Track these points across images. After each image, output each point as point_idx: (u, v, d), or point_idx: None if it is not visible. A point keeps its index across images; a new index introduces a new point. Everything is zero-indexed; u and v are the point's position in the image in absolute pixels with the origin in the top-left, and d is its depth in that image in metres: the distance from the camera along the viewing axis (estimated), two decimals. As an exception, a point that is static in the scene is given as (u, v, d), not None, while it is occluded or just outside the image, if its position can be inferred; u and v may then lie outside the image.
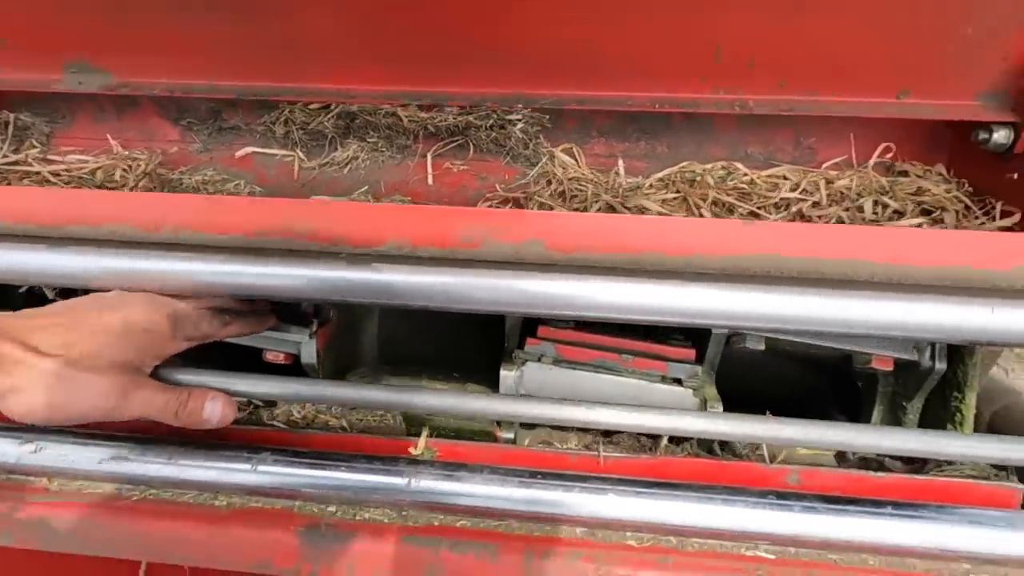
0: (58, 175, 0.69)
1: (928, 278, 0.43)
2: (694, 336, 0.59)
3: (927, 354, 0.56)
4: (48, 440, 0.54)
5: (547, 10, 0.55)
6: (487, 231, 0.45)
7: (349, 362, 0.70)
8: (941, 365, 0.55)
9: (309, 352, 0.58)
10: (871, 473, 0.53)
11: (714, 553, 0.48)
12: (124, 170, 0.68)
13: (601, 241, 0.45)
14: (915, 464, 0.59)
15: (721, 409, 0.54)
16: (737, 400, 0.56)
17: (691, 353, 0.56)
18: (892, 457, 0.60)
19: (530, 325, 0.58)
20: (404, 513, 0.52)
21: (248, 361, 0.60)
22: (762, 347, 0.54)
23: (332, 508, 0.52)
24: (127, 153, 0.71)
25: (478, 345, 0.70)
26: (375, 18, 0.58)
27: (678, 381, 0.57)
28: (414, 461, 0.53)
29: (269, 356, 0.59)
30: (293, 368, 0.60)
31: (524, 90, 0.59)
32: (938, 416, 0.60)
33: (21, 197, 0.52)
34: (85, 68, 0.64)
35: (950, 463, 0.56)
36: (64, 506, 0.52)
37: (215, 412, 0.49)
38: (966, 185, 0.59)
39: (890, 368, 0.55)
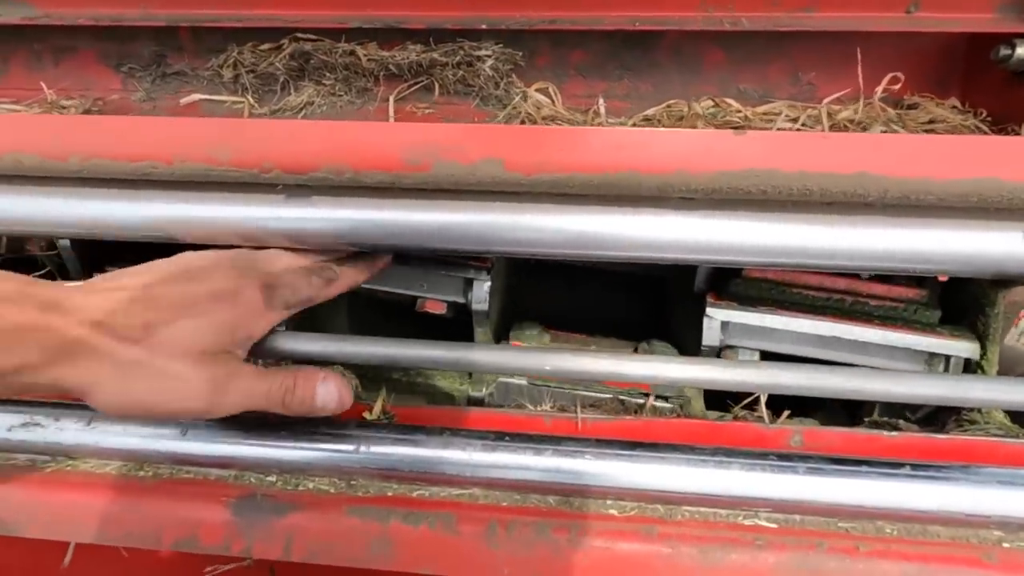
0: (-17, 124, 0.62)
1: (951, 194, 0.37)
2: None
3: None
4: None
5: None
6: (437, 150, 0.39)
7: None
8: None
9: (482, 296, 0.50)
10: (884, 432, 0.47)
11: (707, 523, 0.42)
12: (53, 116, 0.62)
13: (569, 158, 0.38)
14: (934, 425, 0.53)
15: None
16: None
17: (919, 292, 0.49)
18: (908, 420, 0.54)
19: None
20: (353, 483, 0.45)
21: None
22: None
23: (272, 478, 0.46)
24: (56, 100, 0.65)
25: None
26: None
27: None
28: (365, 424, 0.46)
29: (428, 306, 0.52)
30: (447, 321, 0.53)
31: (487, 12, 0.53)
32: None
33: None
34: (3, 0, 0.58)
35: (972, 422, 0.50)
36: (-36, 479, 0.46)
37: (330, 396, 0.40)
38: (984, 114, 0.53)
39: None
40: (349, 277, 0.44)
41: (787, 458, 0.42)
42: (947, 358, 0.51)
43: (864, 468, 0.41)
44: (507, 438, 0.44)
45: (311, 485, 0.45)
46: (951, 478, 0.41)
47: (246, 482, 0.45)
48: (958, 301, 0.54)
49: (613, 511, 0.42)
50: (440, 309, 0.53)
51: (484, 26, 0.52)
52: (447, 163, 0.39)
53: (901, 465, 0.41)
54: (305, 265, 0.43)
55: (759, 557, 0.39)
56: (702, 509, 0.42)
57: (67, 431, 0.46)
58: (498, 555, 0.41)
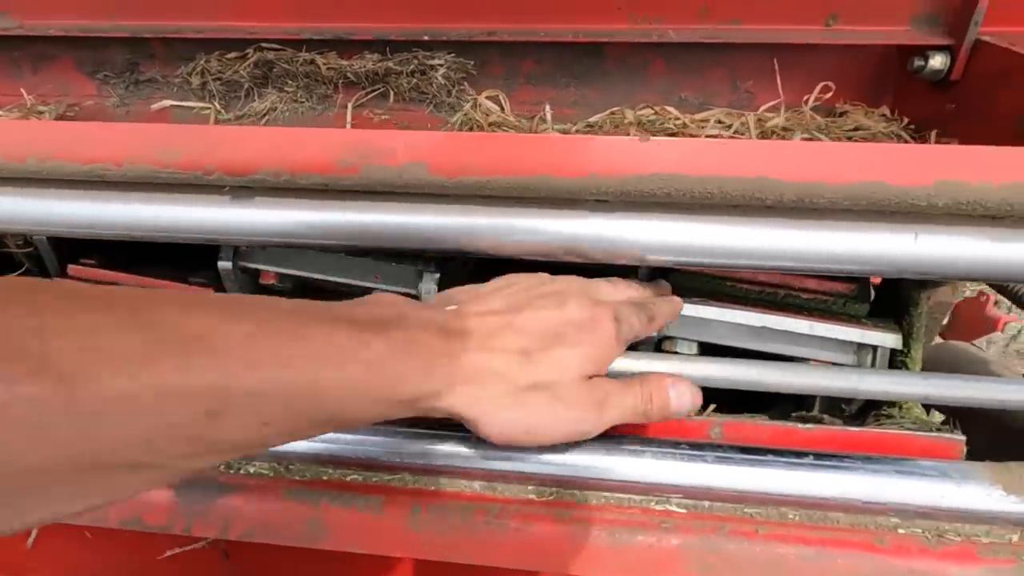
0: (-37, 128, 0.66)
1: (841, 197, 0.39)
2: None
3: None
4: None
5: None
6: (366, 154, 0.42)
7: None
8: None
9: (430, 287, 0.53)
10: (799, 425, 0.49)
11: (618, 507, 0.44)
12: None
13: (487, 161, 0.41)
14: (857, 421, 0.55)
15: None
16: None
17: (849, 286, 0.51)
18: (842, 414, 0.56)
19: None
20: (291, 467, 0.48)
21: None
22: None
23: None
24: (33, 106, 0.68)
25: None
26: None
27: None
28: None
29: None
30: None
31: (432, 24, 0.56)
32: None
33: None
34: (-18, 11, 0.62)
35: (890, 416, 0.52)
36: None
37: (684, 399, 0.40)
38: (906, 121, 0.55)
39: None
40: (663, 315, 0.44)
41: (699, 447, 0.44)
42: (874, 348, 0.53)
43: (770, 457, 0.43)
44: (421, 425, 0.46)
45: (252, 470, 0.48)
46: (851, 467, 0.43)
47: (192, 466, 0.48)
48: (890, 300, 0.56)
49: (532, 496, 0.45)
50: None
51: (426, 37, 0.55)
52: (376, 166, 0.42)
53: (804, 455, 0.43)
54: (635, 299, 0.43)
55: (663, 539, 0.42)
56: (616, 495, 0.45)
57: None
58: (420, 536, 0.43)
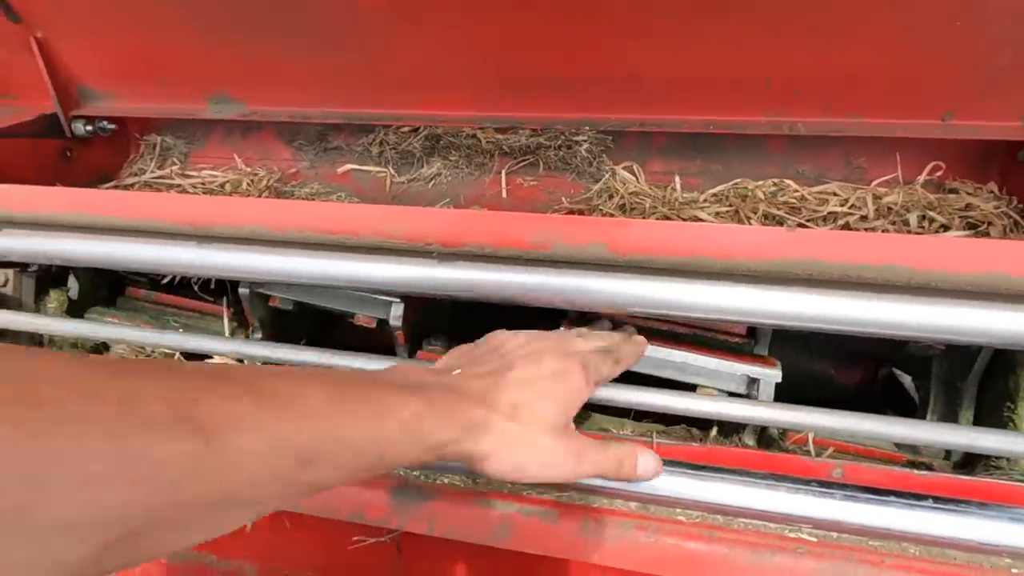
0: (195, 187, 0.82)
1: (962, 284, 0.47)
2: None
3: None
4: None
5: (610, 45, 0.63)
6: (556, 235, 0.53)
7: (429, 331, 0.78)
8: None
9: (397, 314, 0.65)
10: (916, 471, 0.56)
11: (757, 532, 0.52)
12: (248, 183, 0.81)
13: (656, 244, 0.51)
14: (965, 469, 0.61)
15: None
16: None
17: (743, 327, 0.61)
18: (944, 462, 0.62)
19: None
20: (477, 481, 0.59)
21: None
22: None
23: (416, 473, 0.60)
24: (250, 170, 0.84)
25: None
26: (458, 53, 0.68)
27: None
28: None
29: (361, 320, 0.67)
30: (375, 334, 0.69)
31: (590, 115, 0.67)
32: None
33: (178, 201, 0.64)
34: (223, 99, 0.78)
35: (998, 468, 0.58)
36: None
37: (648, 466, 0.48)
38: (1015, 202, 0.61)
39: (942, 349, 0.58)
40: (628, 356, 0.53)
41: (827, 485, 0.52)
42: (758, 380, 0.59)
43: (892, 498, 0.51)
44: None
45: (446, 481, 0.59)
46: (968, 512, 0.50)
47: (397, 474, 0.60)
48: (999, 364, 0.62)
49: (681, 517, 0.54)
50: (370, 323, 0.65)
51: (588, 128, 0.66)
52: (563, 245, 0.53)
53: (925, 498, 0.51)
54: (600, 347, 0.51)
55: (800, 562, 0.50)
56: (754, 521, 0.53)
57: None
58: (588, 542, 0.53)
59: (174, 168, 0.87)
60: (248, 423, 0.30)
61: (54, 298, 0.74)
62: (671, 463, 0.55)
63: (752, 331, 0.67)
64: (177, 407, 0.27)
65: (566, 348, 0.49)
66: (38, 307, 0.73)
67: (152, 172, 0.87)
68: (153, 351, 0.71)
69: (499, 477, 0.42)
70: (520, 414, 0.43)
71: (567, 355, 0.47)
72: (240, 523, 0.31)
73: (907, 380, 0.76)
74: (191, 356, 0.70)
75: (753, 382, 0.62)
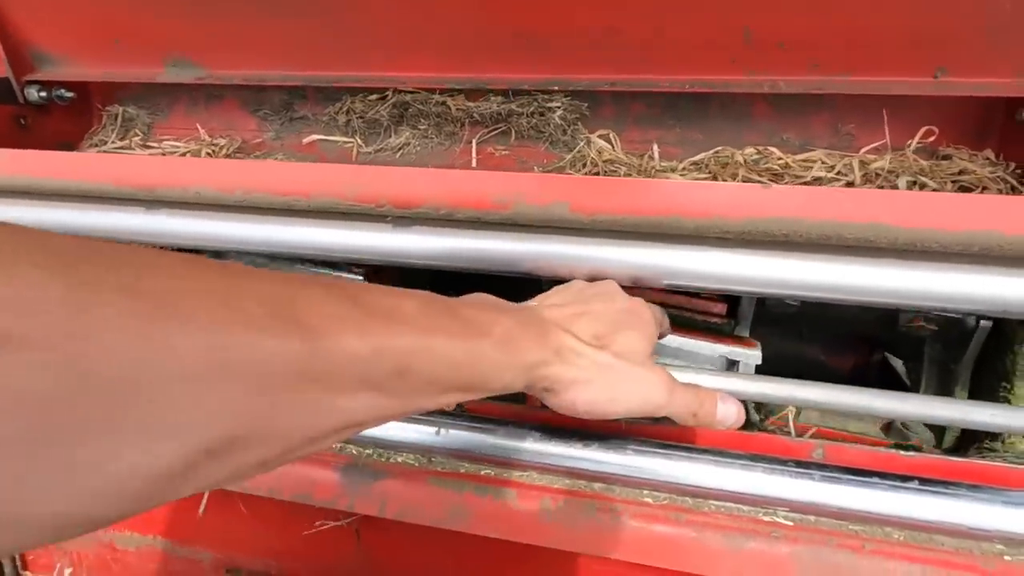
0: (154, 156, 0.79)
1: (955, 243, 0.43)
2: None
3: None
4: None
5: (582, 1, 0.59)
6: (517, 194, 0.49)
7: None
8: (986, 322, 0.54)
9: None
10: (901, 452, 0.52)
11: (729, 515, 0.49)
12: (208, 153, 0.77)
13: (623, 204, 0.47)
14: (957, 453, 0.57)
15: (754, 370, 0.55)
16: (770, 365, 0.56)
17: (722, 307, 0.57)
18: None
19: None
20: (432, 459, 0.55)
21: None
22: (797, 304, 0.55)
23: (369, 451, 0.57)
24: (211, 139, 0.80)
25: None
26: (425, 11, 0.64)
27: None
28: (444, 413, 0.56)
29: None
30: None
31: (560, 75, 0.63)
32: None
33: (120, 163, 0.60)
34: (183, 63, 0.74)
35: (992, 450, 0.54)
36: None
37: (730, 414, 0.44)
38: (1013, 167, 0.57)
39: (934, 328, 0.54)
40: (666, 328, 0.52)
41: (805, 465, 0.49)
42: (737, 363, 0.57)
43: (874, 479, 0.47)
44: (560, 431, 0.53)
45: (400, 459, 0.55)
46: (958, 495, 0.46)
47: (348, 452, 0.56)
48: (995, 337, 0.58)
49: (648, 499, 0.50)
50: None
51: (556, 87, 0.63)
52: (524, 205, 0.49)
53: (910, 479, 0.47)
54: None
55: (775, 546, 0.46)
56: (727, 504, 0.49)
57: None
58: (549, 526, 0.49)
59: (136, 139, 0.84)
60: (349, 326, 0.28)
61: None
62: (638, 442, 0.52)
63: (733, 311, 0.63)
64: (279, 307, 0.26)
65: (634, 297, 0.46)
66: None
67: (113, 143, 0.84)
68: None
69: (588, 408, 0.39)
70: (609, 344, 0.40)
71: (630, 297, 0.45)
72: (331, 442, 0.29)
73: (899, 364, 0.72)
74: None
75: (732, 364, 0.58)
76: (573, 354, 0.39)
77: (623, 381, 0.40)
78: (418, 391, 0.32)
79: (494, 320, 0.36)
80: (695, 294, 0.61)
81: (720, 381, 0.50)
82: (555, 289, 0.47)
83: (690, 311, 0.62)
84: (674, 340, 0.57)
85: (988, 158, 0.60)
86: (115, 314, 0.20)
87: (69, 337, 0.19)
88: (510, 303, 0.41)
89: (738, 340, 0.59)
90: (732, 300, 0.62)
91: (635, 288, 0.49)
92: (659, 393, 0.41)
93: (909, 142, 0.61)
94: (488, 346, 0.35)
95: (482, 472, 0.53)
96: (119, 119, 0.86)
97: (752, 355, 0.57)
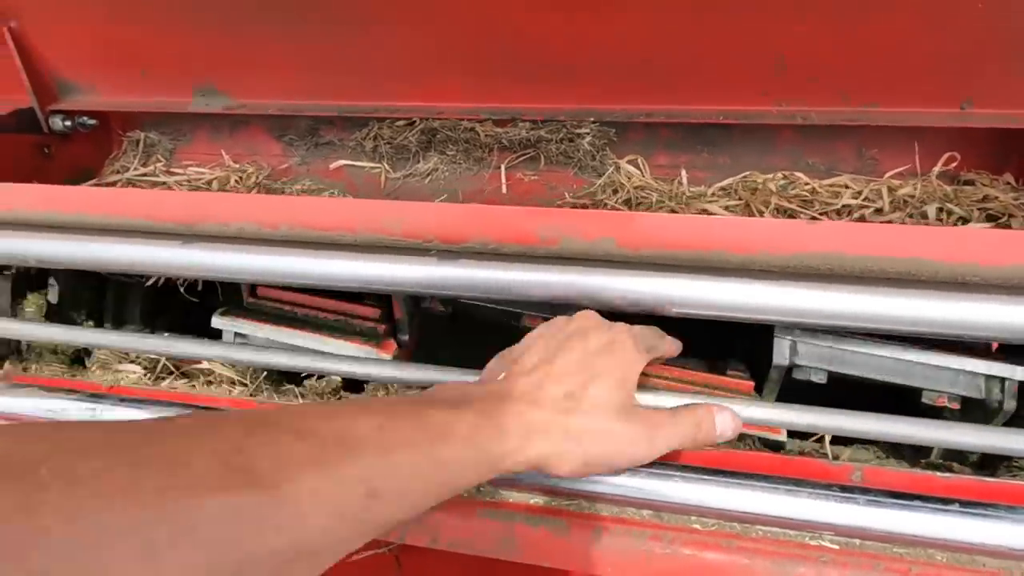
0: (181, 184, 0.79)
1: (994, 278, 0.45)
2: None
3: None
4: None
5: (615, 30, 0.60)
6: (564, 229, 0.50)
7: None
8: (1011, 404, 0.55)
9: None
10: (938, 473, 0.54)
11: (777, 540, 0.50)
12: (236, 180, 0.78)
13: (669, 239, 0.48)
14: (986, 470, 0.59)
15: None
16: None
17: (750, 385, 0.58)
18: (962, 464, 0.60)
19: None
20: (481, 490, 0.56)
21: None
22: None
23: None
24: (238, 166, 0.80)
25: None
26: (455, 41, 0.65)
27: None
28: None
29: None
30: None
31: (594, 105, 0.64)
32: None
33: (158, 199, 0.60)
34: (210, 92, 0.74)
35: (1021, 468, 0.56)
36: None
37: (727, 425, 0.44)
38: (1035, 192, 0.59)
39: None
40: (667, 348, 0.50)
41: (849, 490, 0.50)
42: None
43: (917, 503, 0.49)
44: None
45: (448, 489, 0.56)
46: (995, 516, 0.48)
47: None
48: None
49: (696, 525, 0.51)
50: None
51: (592, 119, 0.64)
52: (571, 240, 0.50)
53: (951, 502, 0.48)
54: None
55: (824, 571, 0.47)
56: (774, 529, 0.51)
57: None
58: (601, 554, 0.50)
59: (159, 165, 0.84)
60: (305, 465, 0.28)
61: (31, 302, 0.70)
62: (683, 468, 0.53)
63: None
64: (227, 460, 0.25)
65: (608, 322, 0.46)
66: (14, 311, 0.69)
67: (136, 169, 0.84)
68: (137, 357, 0.68)
69: (573, 475, 0.40)
70: (579, 404, 0.40)
71: (611, 326, 0.45)
72: None
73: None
74: (177, 361, 0.67)
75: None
76: (541, 432, 0.39)
77: (596, 445, 0.40)
78: (391, 512, 0.31)
79: (458, 419, 0.36)
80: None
81: (748, 411, 0.51)
82: (529, 339, 0.46)
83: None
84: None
85: (1009, 183, 0.62)
86: (52, 514, 0.20)
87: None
88: (479, 387, 0.41)
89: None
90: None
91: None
92: (638, 448, 0.41)
93: (934, 168, 0.63)
94: (456, 448, 0.35)
95: (531, 501, 0.54)
96: (140, 145, 0.86)
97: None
